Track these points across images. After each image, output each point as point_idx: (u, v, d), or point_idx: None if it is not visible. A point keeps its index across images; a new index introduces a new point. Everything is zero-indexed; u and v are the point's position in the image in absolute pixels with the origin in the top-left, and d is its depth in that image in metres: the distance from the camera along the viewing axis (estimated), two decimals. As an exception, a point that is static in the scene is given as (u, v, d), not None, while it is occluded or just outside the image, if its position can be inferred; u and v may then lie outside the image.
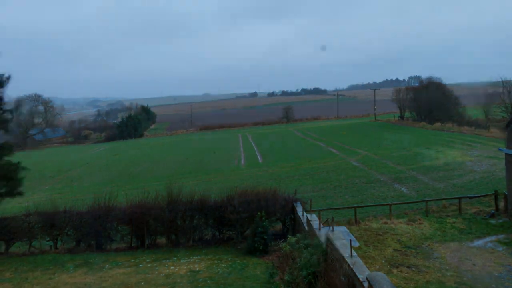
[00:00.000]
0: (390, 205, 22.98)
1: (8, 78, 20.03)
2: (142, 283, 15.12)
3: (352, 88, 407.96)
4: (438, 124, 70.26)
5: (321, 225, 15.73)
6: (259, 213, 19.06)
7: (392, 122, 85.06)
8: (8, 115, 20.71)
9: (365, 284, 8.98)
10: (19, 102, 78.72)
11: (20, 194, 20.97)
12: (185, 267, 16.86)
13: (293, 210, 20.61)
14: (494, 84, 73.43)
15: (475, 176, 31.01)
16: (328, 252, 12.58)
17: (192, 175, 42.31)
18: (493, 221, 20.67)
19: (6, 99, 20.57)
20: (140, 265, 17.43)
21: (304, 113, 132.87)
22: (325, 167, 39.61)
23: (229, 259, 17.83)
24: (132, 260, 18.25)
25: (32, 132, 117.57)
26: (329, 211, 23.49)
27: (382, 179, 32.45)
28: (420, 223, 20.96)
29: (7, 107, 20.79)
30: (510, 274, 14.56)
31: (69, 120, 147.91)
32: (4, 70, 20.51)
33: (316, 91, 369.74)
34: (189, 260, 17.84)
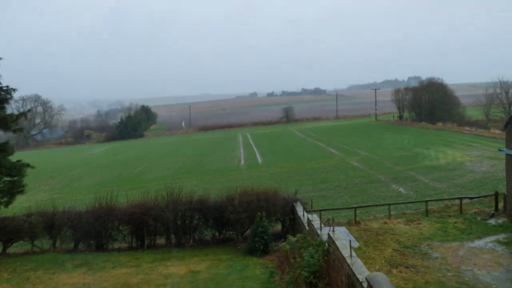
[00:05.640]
0: (389, 205, 22.98)
1: (14, 90, 20.80)
2: (142, 283, 15.12)
3: (352, 88, 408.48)
4: (438, 124, 70.35)
5: (322, 225, 15.74)
6: (259, 213, 19.05)
7: (392, 122, 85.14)
8: (22, 120, 21.60)
9: (365, 285, 8.98)
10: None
11: (23, 192, 21.14)
12: (185, 267, 16.86)
13: (293, 211, 20.60)
14: (493, 85, 73.62)
15: (475, 176, 31.03)
16: (330, 252, 12.58)
17: (192, 175, 42.30)
18: (492, 221, 20.70)
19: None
20: (140, 266, 17.42)
21: (304, 113, 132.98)
22: (325, 167, 39.62)
23: (229, 259, 17.83)
24: (132, 260, 18.24)
25: (32, 132, 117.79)
26: (329, 211, 23.49)
27: (382, 179, 32.46)
28: (419, 223, 20.97)
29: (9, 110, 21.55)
30: (509, 274, 14.58)
31: (69, 120, 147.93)
32: (5, 70, 20.83)
33: (316, 91, 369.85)
34: (189, 260, 17.84)
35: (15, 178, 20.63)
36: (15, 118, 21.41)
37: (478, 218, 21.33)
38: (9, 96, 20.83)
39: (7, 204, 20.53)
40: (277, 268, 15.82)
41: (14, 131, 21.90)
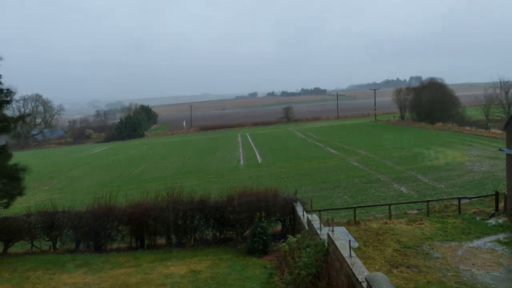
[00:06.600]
0: (389, 205, 22.99)
1: (14, 92, 20.86)
2: (142, 283, 15.14)
3: (352, 88, 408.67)
4: (438, 124, 70.32)
5: (322, 225, 15.74)
6: (258, 213, 19.01)
7: (392, 122, 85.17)
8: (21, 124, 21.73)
9: (364, 285, 8.99)
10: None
11: (22, 194, 21.14)
12: (185, 267, 16.87)
13: (293, 211, 20.59)
14: (493, 85, 73.67)
15: (475, 176, 31.04)
16: (330, 252, 12.59)
17: (192, 175, 42.32)
18: (493, 221, 20.70)
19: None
20: (140, 266, 17.43)
21: (304, 113, 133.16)
22: (325, 167, 39.63)
23: (230, 259, 17.83)
24: (132, 261, 18.25)
25: (33, 132, 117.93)
26: (329, 211, 23.50)
27: (382, 179, 32.47)
28: (420, 223, 20.97)
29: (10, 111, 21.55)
30: (509, 274, 14.59)
31: (68, 120, 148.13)
32: (6, 69, 20.83)
33: (316, 91, 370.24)
34: (189, 260, 17.84)
35: (13, 181, 20.60)
36: (15, 119, 21.37)
37: (477, 218, 21.34)
38: (9, 98, 20.81)
39: (7, 206, 20.54)
40: (276, 269, 15.83)
41: (13, 136, 21.90)
